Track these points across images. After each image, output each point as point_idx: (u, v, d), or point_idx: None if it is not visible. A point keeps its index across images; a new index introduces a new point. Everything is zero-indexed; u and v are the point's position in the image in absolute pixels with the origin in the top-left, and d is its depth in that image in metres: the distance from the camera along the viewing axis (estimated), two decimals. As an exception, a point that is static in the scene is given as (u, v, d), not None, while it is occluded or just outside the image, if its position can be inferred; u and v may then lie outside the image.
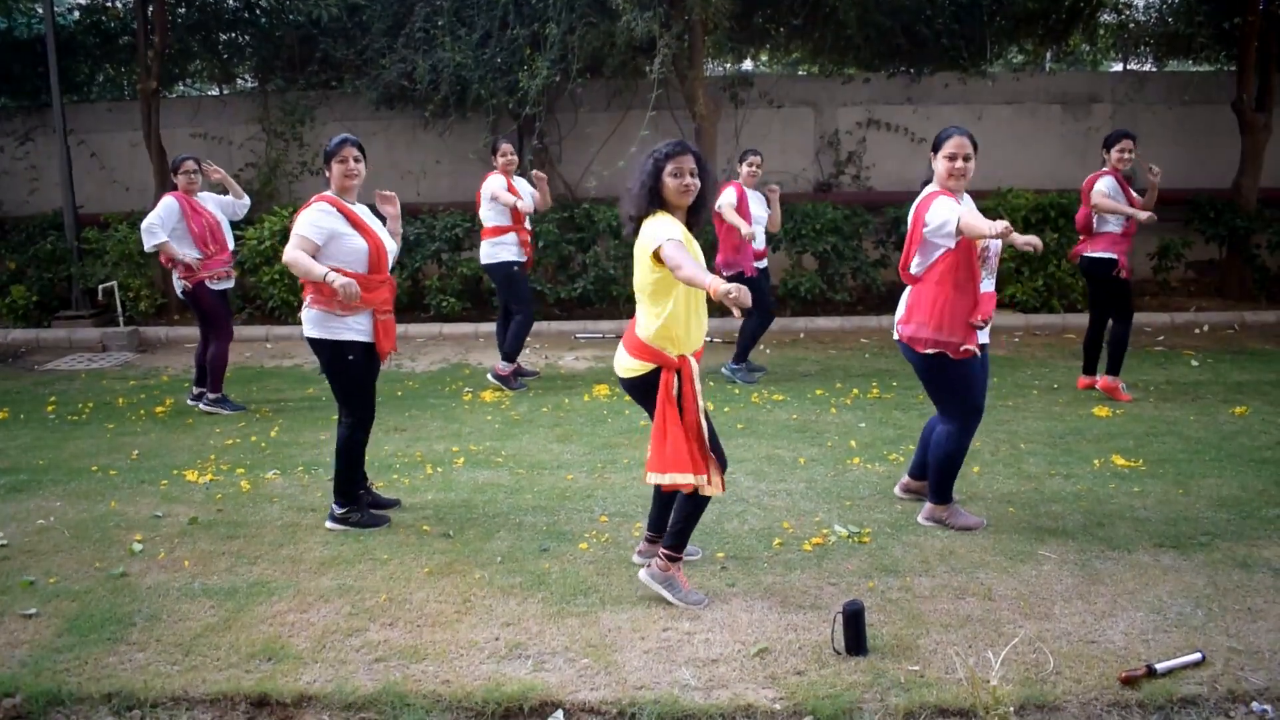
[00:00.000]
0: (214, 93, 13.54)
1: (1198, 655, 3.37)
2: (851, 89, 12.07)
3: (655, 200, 3.85)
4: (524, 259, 7.69)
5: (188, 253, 7.00)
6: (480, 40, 10.37)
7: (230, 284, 7.36)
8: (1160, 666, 3.29)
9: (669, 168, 3.81)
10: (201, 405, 7.28)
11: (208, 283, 7.10)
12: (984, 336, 4.50)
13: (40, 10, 11.46)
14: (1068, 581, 4.03)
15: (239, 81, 13.58)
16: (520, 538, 4.62)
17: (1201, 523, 4.63)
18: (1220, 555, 4.24)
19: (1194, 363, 8.21)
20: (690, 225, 3.91)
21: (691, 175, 3.81)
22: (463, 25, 10.53)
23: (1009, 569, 4.16)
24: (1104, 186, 6.71)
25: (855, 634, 3.47)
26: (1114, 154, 6.78)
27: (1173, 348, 8.85)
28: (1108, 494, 5.05)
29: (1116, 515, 4.75)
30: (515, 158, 7.69)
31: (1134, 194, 6.86)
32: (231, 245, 7.36)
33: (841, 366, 8.35)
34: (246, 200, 7.48)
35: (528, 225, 7.74)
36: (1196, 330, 9.62)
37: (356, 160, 4.73)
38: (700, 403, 3.87)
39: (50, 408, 7.54)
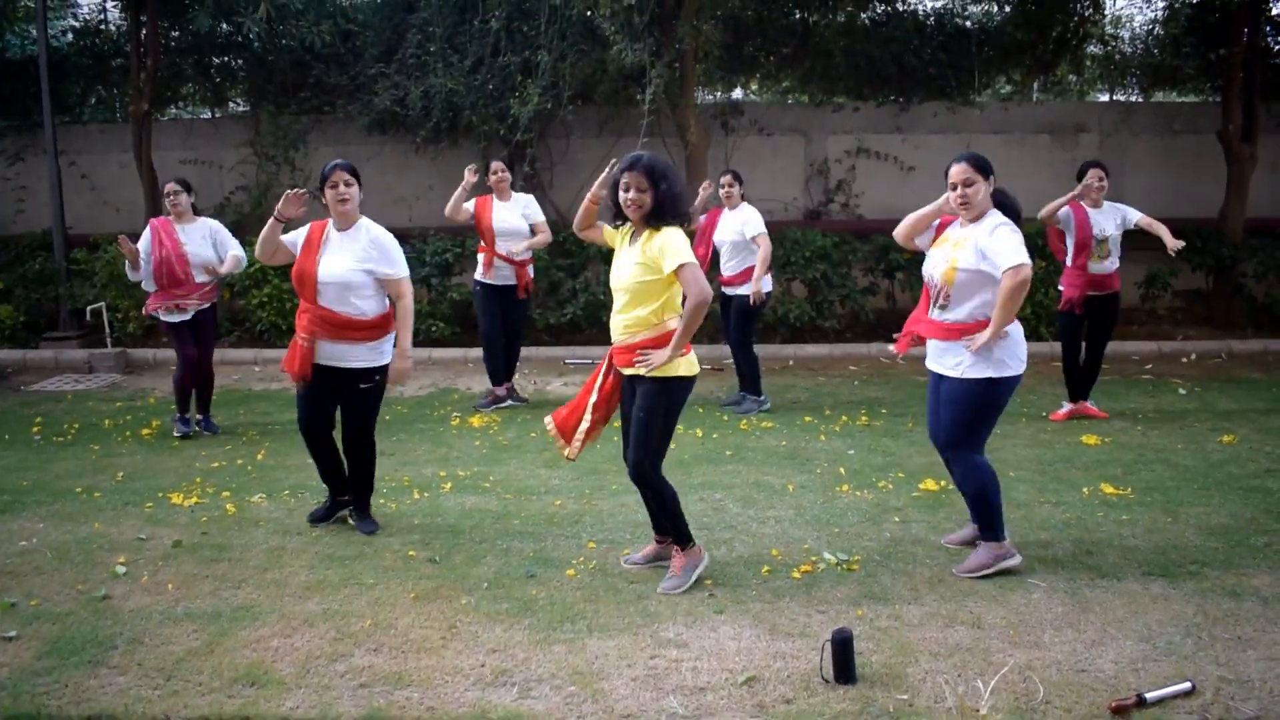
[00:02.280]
0: (206, 116, 13.56)
1: (1188, 684, 3.35)
2: (841, 117, 12.16)
3: (619, 212, 4.13)
4: (485, 277, 7.67)
5: (146, 285, 7.04)
6: (472, 67, 10.43)
7: (184, 316, 7.02)
8: (1150, 696, 3.28)
9: (620, 183, 4.06)
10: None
11: (160, 314, 7.04)
12: (937, 365, 4.43)
13: (34, 31, 11.48)
14: (1057, 610, 4.02)
15: (231, 105, 13.60)
16: (507, 563, 4.60)
17: (1190, 551, 4.62)
18: (1209, 584, 4.24)
19: (1182, 391, 8.24)
20: (651, 229, 4.08)
21: (638, 190, 4.02)
22: (455, 52, 10.59)
23: (998, 597, 4.15)
24: (1060, 214, 6.95)
25: (844, 662, 3.44)
26: (1082, 184, 6.91)
27: (1160, 376, 8.88)
28: (1096, 522, 5.05)
29: (1105, 543, 4.74)
30: (506, 174, 7.61)
31: (1089, 234, 6.95)
32: (200, 279, 6.99)
33: (830, 393, 8.35)
34: (237, 257, 7.06)
35: (500, 248, 7.56)
36: (1184, 359, 9.66)
37: (347, 184, 4.77)
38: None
39: (36, 429, 7.49)
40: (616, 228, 4.28)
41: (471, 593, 4.26)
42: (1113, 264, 7.02)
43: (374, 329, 4.89)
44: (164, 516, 5.35)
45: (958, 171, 4.28)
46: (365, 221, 4.92)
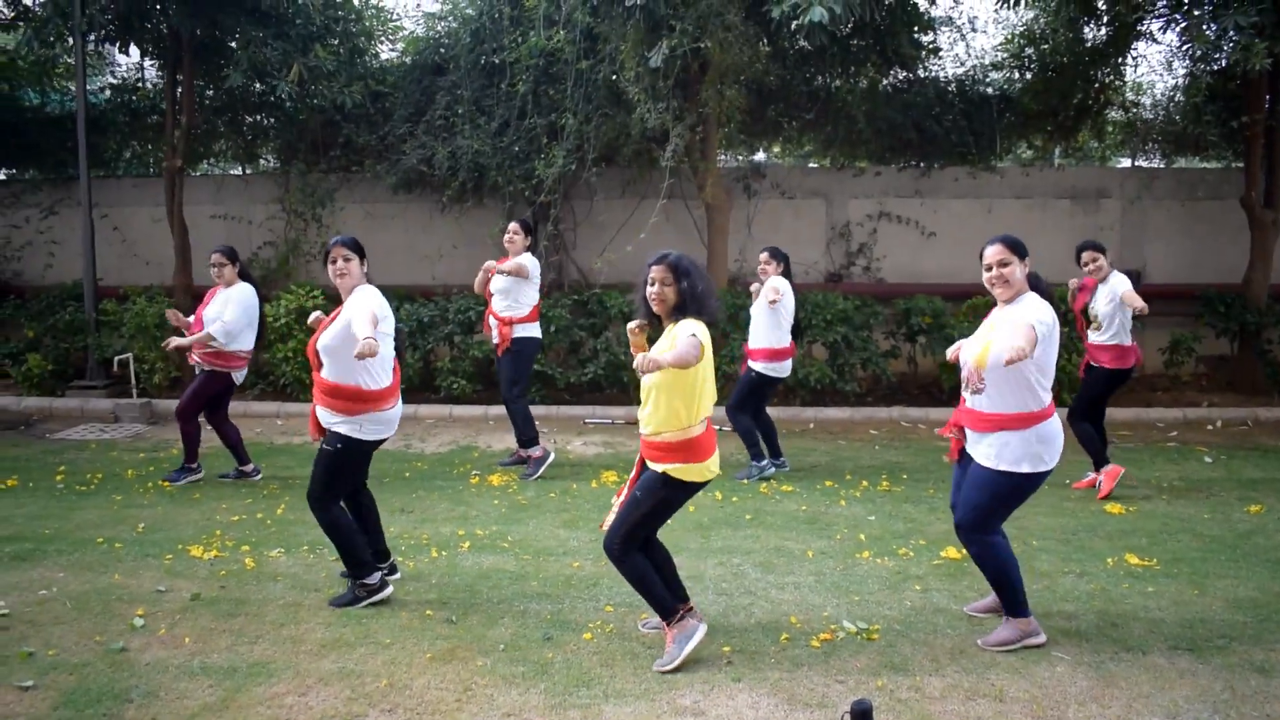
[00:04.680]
0: (236, 172, 13.81)
1: (1215, 764, 3.29)
2: (862, 181, 12.26)
3: (647, 307, 4.17)
4: (486, 335, 7.72)
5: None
6: (498, 129, 10.61)
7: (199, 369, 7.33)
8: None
9: (647, 277, 4.14)
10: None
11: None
12: (972, 449, 4.40)
13: (73, 88, 11.78)
14: (1081, 684, 3.96)
15: (262, 162, 13.86)
16: (524, 625, 4.57)
17: (1218, 625, 4.55)
18: (1237, 659, 4.17)
19: (1207, 459, 8.16)
20: (674, 323, 4.12)
21: (663, 284, 4.09)
22: (482, 114, 10.78)
23: (1021, 670, 4.09)
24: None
25: (863, 733, 3.39)
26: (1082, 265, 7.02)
27: (1185, 443, 8.80)
28: (1121, 593, 4.98)
29: (1130, 616, 4.67)
30: (515, 237, 7.55)
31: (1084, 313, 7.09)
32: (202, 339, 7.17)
33: (851, 458, 8.31)
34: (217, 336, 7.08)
35: (497, 308, 7.56)
36: (1209, 426, 9.57)
37: (346, 260, 4.89)
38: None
39: (59, 477, 7.54)
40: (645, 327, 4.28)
41: (488, 654, 4.23)
42: (1103, 337, 6.97)
43: (355, 399, 4.77)
44: (183, 569, 5.36)
45: (992, 253, 4.32)
46: (363, 288, 4.90)
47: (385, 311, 4.86)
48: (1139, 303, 6.58)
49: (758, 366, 7.42)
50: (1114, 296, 6.83)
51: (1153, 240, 12.14)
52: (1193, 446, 8.66)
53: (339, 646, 4.32)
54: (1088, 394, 7.13)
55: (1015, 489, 4.30)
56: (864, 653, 4.26)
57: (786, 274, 7.51)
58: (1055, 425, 4.30)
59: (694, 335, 3.94)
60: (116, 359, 10.45)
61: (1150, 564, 5.41)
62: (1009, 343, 4.01)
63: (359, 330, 4.56)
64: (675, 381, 4.05)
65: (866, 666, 4.13)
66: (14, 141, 12.65)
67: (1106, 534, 6.03)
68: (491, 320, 7.61)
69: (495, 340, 7.63)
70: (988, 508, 4.33)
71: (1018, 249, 4.30)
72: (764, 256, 7.54)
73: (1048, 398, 4.28)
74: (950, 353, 4.66)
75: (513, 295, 7.52)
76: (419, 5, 25.09)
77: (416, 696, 3.84)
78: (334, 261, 4.89)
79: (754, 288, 7.56)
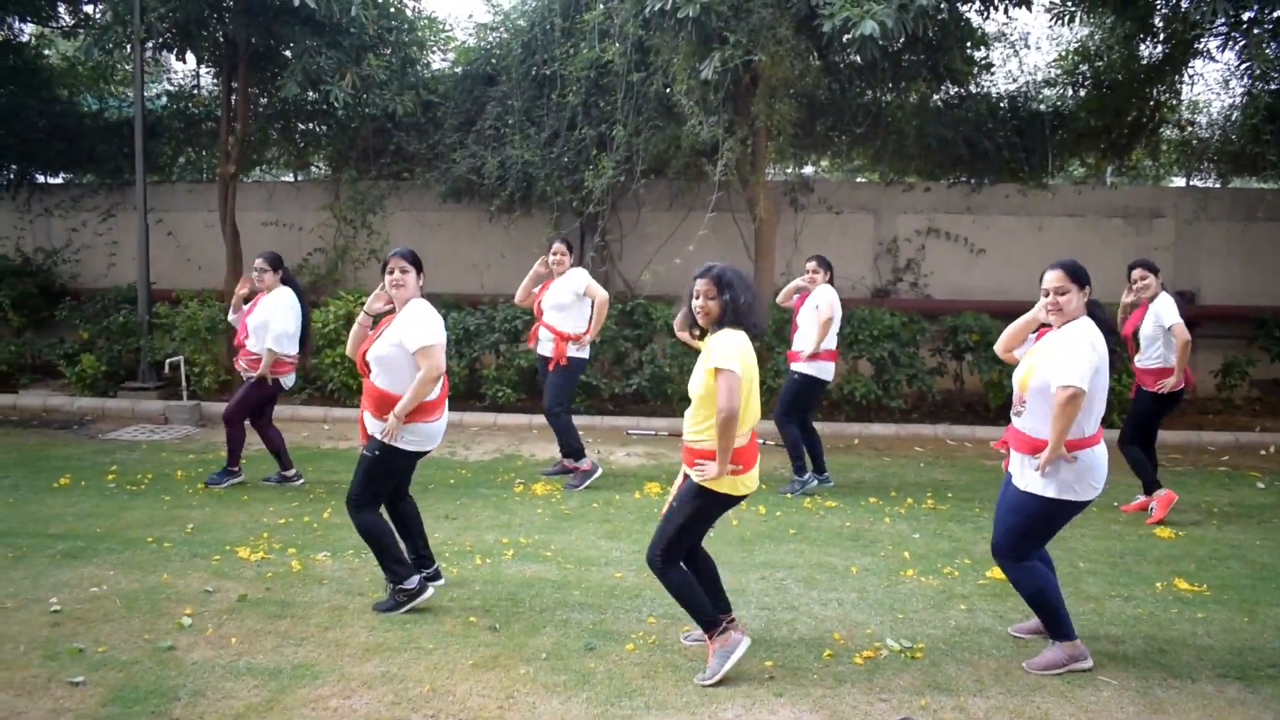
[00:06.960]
0: (288, 179, 14.01)
1: (1268, 797, 3.22)
2: (911, 197, 12.18)
3: (694, 318, 4.21)
4: (546, 355, 7.64)
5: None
6: (548, 139, 10.69)
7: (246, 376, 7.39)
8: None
9: (693, 290, 4.18)
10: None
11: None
12: (1013, 469, 4.37)
13: (131, 94, 12.03)
14: (1128, 709, 3.89)
15: (313, 169, 14.05)
16: (566, 634, 4.58)
17: (1269, 653, 4.46)
18: (1290, 690, 4.08)
19: (1260, 484, 8.00)
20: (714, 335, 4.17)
21: (706, 298, 4.12)
22: (532, 124, 10.87)
23: (1067, 694, 4.03)
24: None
25: (906, 754, 3.37)
26: (1133, 288, 6.94)
27: (1237, 468, 8.63)
28: (1170, 619, 4.89)
29: (1179, 642, 4.59)
30: (563, 257, 7.56)
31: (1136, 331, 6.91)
32: (251, 346, 7.28)
33: (896, 474, 8.25)
34: (275, 348, 7.19)
35: (547, 320, 7.58)
36: (1262, 451, 9.37)
37: (403, 271, 4.92)
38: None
39: (110, 476, 7.68)
40: (696, 336, 4.33)
41: (530, 663, 4.25)
42: (1146, 361, 6.83)
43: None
44: (230, 570, 5.44)
45: (1052, 278, 4.26)
46: (415, 301, 4.95)
47: (439, 335, 4.87)
48: (1185, 335, 6.56)
49: (800, 369, 7.38)
50: (1157, 320, 6.71)
51: (1207, 261, 11.94)
52: (1245, 471, 8.50)
53: (382, 651, 4.36)
54: (1136, 418, 7.02)
55: (1045, 514, 4.25)
56: (907, 671, 4.23)
57: (830, 283, 7.52)
58: (1097, 455, 4.22)
59: (729, 372, 3.96)
60: (168, 361, 10.64)
61: (1200, 590, 5.32)
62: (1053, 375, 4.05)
63: (410, 343, 4.76)
64: (713, 394, 4.04)
65: (910, 685, 4.09)
66: (73, 146, 12.95)
67: (1155, 558, 5.93)
68: (544, 332, 7.63)
69: (545, 352, 7.65)
70: (1018, 532, 4.31)
71: (1078, 277, 4.24)
72: (812, 265, 7.52)
73: (1092, 427, 4.21)
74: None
75: (574, 310, 7.54)
76: (471, 16, 25.43)
77: (459, 703, 3.87)
78: (391, 272, 4.93)
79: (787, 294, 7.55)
